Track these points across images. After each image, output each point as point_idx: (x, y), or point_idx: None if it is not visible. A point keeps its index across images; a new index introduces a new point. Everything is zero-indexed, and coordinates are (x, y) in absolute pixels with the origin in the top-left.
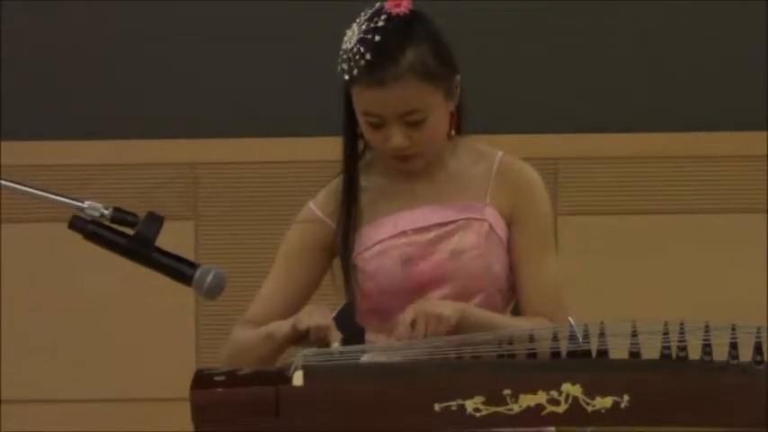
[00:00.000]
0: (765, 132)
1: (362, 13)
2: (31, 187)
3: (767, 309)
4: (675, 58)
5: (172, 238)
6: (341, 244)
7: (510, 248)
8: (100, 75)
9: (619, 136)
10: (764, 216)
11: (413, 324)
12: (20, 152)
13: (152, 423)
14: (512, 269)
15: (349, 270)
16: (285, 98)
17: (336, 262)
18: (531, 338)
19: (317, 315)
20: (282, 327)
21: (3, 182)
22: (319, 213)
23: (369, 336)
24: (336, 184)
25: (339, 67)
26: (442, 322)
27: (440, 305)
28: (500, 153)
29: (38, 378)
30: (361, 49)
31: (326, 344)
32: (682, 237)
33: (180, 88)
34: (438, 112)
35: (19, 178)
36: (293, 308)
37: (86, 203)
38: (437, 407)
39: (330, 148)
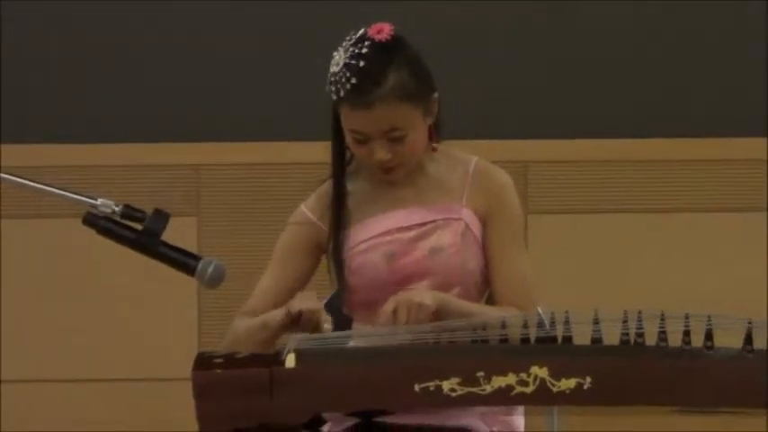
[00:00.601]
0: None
1: (347, 38)
2: (49, 186)
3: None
4: (650, 66)
5: (176, 233)
6: (331, 243)
7: (484, 245)
8: (110, 84)
9: (583, 141)
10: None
11: (395, 313)
12: (39, 154)
13: (158, 400)
14: (486, 264)
15: (338, 266)
16: (282, 104)
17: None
18: (503, 325)
19: (308, 301)
20: (276, 314)
21: (25, 181)
22: (310, 215)
23: (356, 324)
24: (326, 187)
25: (327, 88)
26: (423, 310)
27: (420, 294)
28: (475, 159)
29: (53, 359)
30: (347, 73)
31: (317, 327)
32: (645, 234)
33: (184, 96)
34: (417, 128)
35: (38, 178)
36: (287, 300)
37: (99, 201)
38: (417, 387)
39: (323, 151)
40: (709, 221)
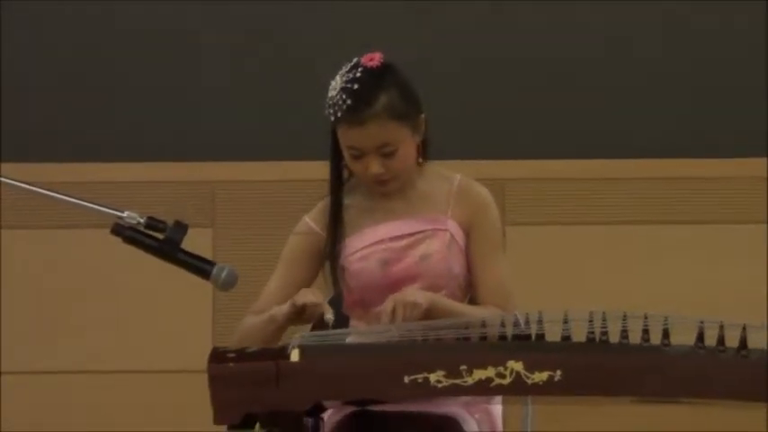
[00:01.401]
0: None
1: (343, 66)
2: (81, 200)
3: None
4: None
5: (193, 243)
6: (329, 251)
7: (467, 253)
8: (133, 107)
9: (554, 162)
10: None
11: (393, 310)
12: (72, 172)
13: (174, 390)
14: (469, 269)
15: (336, 271)
16: (289, 126)
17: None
18: (483, 324)
19: (311, 294)
20: (282, 308)
21: (61, 196)
22: (313, 226)
23: (353, 322)
24: (327, 202)
25: (326, 111)
26: (416, 308)
27: (413, 294)
28: (459, 176)
29: (82, 352)
30: (343, 96)
31: (320, 318)
32: (605, 244)
33: (200, 118)
34: (407, 144)
35: (70, 193)
36: (288, 297)
37: (125, 213)
38: (406, 379)
39: (323, 169)
40: (710, 233)
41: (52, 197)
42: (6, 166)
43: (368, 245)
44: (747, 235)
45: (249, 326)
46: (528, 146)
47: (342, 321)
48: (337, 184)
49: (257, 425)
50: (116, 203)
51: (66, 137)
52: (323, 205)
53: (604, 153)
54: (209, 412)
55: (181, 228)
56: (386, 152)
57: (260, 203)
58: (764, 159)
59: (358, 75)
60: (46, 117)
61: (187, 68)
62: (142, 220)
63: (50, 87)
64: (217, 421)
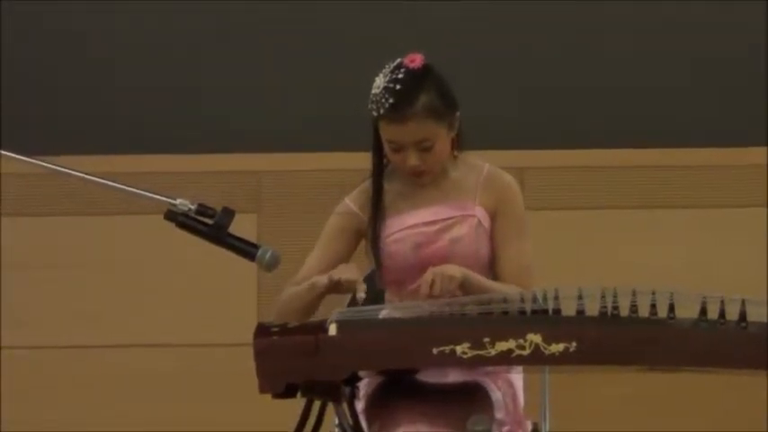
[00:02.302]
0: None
1: (386, 66)
2: (138, 189)
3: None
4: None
5: (240, 227)
6: (371, 231)
7: (492, 235)
8: (185, 102)
9: (567, 152)
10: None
11: (432, 282)
12: (129, 163)
13: (223, 362)
14: (493, 250)
15: (376, 250)
16: (328, 120)
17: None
18: (505, 300)
19: (348, 271)
20: (322, 278)
21: (120, 185)
22: (352, 207)
23: (387, 296)
24: (366, 185)
25: (369, 106)
26: (453, 281)
27: (450, 268)
28: (487, 165)
29: (134, 326)
30: (386, 95)
31: (354, 295)
32: (615, 227)
33: (247, 114)
34: (442, 140)
35: (127, 183)
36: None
37: (178, 201)
38: (434, 350)
39: (357, 160)
40: (714, 216)
41: (112, 187)
42: (68, 159)
43: (403, 228)
44: (748, 218)
45: (292, 293)
46: (543, 137)
47: (378, 295)
48: (379, 171)
49: (298, 393)
50: (169, 191)
51: (125, 131)
52: (363, 187)
53: (615, 143)
54: (254, 382)
55: (228, 214)
56: (423, 147)
57: (301, 191)
58: (764, 148)
59: (400, 75)
60: (107, 113)
61: (235, 68)
62: (193, 207)
63: (112, 83)
64: (262, 390)
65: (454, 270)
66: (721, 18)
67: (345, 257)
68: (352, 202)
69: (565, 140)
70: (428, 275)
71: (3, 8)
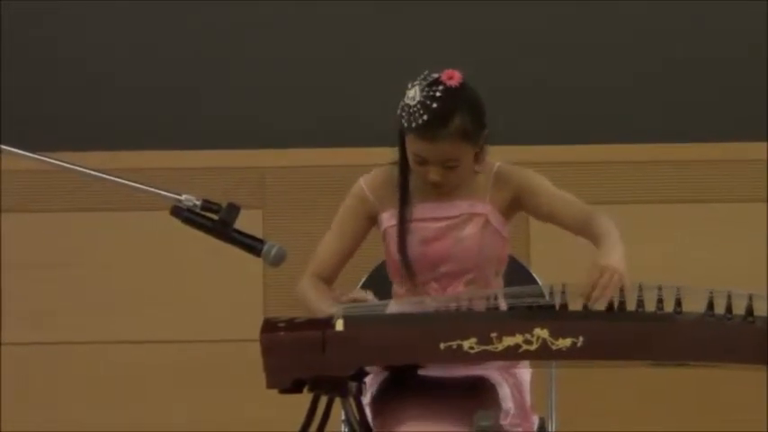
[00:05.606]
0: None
1: (422, 76)
2: (143, 185)
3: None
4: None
5: (245, 223)
6: (397, 232)
7: (537, 209)
8: (191, 99)
9: (573, 147)
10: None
11: (601, 277)
12: (134, 160)
13: (230, 357)
14: (551, 220)
15: (402, 238)
16: (332, 116)
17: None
18: (513, 296)
19: (363, 294)
20: (338, 310)
21: (126, 181)
22: (367, 192)
23: (394, 287)
24: (384, 172)
25: (400, 113)
26: (621, 279)
27: (620, 265)
28: (497, 163)
29: (141, 325)
30: (421, 110)
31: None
32: (620, 222)
33: (251, 110)
34: (468, 158)
35: (133, 179)
36: (343, 255)
37: (183, 196)
38: (442, 345)
39: (364, 156)
40: (717, 211)
41: (118, 182)
42: (71, 155)
43: (411, 220)
44: (749, 214)
45: (309, 298)
46: (538, 132)
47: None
48: (405, 174)
49: (305, 388)
50: (174, 187)
51: (129, 127)
52: (380, 176)
53: (613, 139)
54: (261, 378)
55: (234, 209)
56: (448, 165)
57: (305, 187)
58: (765, 144)
59: (438, 93)
60: (111, 109)
61: (241, 64)
62: (198, 203)
63: (116, 79)
64: (269, 385)
65: (623, 268)
66: (721, 17)
67: (359, 239)
68: (367, 187)
69: (562, 136)
70: (595, 271)
71: (2, 8)
